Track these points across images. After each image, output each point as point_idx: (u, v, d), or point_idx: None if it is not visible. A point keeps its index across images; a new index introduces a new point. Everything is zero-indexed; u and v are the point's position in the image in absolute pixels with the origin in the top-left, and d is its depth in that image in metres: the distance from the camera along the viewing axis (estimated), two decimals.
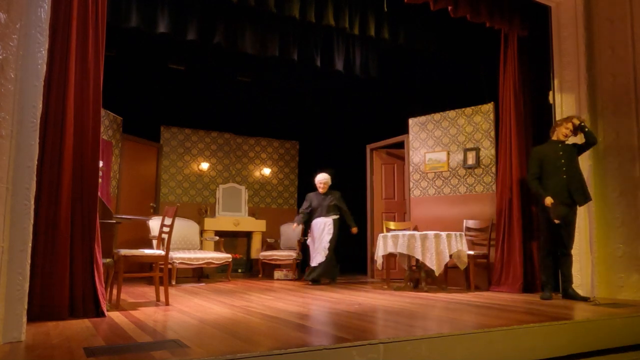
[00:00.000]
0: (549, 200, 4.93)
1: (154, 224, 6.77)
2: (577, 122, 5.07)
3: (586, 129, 5.03)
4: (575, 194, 4.96)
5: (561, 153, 5.08)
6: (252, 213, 9.22)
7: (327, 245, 6.83)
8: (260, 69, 7.96)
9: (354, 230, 7.13)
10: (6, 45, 2.76)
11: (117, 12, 5.25)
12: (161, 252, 4.57)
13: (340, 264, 9.83)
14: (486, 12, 5.58)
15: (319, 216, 7.03)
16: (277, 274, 7.95)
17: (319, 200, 7.12)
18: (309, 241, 7.26)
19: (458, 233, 5.96)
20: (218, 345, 2.61)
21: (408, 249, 5.83)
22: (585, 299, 4.79)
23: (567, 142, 5.16)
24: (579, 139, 5.23)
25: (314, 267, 6.88)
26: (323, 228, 6.93)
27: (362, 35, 6.16)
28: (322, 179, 7.24)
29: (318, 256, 6.82)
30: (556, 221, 4.87)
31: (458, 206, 6.89)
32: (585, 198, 5.00)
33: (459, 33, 6.57)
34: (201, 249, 7.81)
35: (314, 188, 7.37)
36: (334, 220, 6.98)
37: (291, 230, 8.56)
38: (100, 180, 3.86)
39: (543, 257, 5.06)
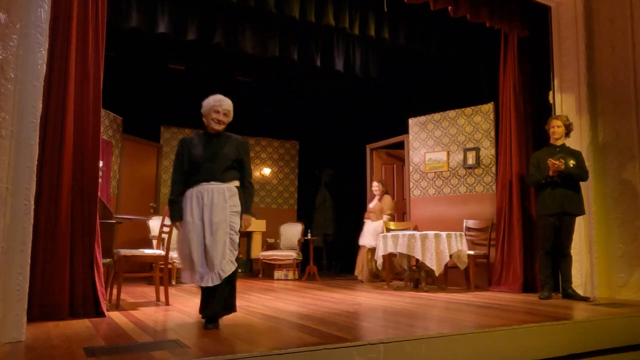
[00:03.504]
0: (550, 163, 4.84)
1: (154, 224, 6.76)
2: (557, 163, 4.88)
3: (568, 171, 4.87)
4: (569, 203, 4.92)
5: (560, 155, 5.04)
6: (252, 213, 9.18)
7: (233, 235, 3.36)
8: (260, 69, 7.96)
9: (248, 221, 3.56)
10: (6, 45, 2.76)
11: (117, 12, 5.25)
12: (161, 252, 4.57)
13: (339, 264, 9.68)
14: (486, 12, 5.58)
15: (209, 179, 3.35)
16: (277, 274, 7.95)
17: (208, 148, 3.45)
18: (182, 232, 3.42)
19: (458, 233, 5.96)
20: (218, 345, 2.61)
21: (408, 249, 5.83)
22: (585, 299, 4.78)
23: (566, 145, 5.14)
24: (573, 142, 5.23)
25: (209, 289, 3.25)
26: (221, 200, 3.33)
27: (362, 35, 6.15)
28: (219, 103, 3.50)
29: (214, 260, 3.22)
30: (562, 166, 4.79)
31: (458, 206, 6.89)
32: (577, 210, 4.95)
33: (459, 33, 6.57)
34: None
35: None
36: (239, 188, 3.48)
37: (291, 230, 8.56)
38: (100, 180, 3.86)
39: (541, 257, 5.05)
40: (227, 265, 3.25)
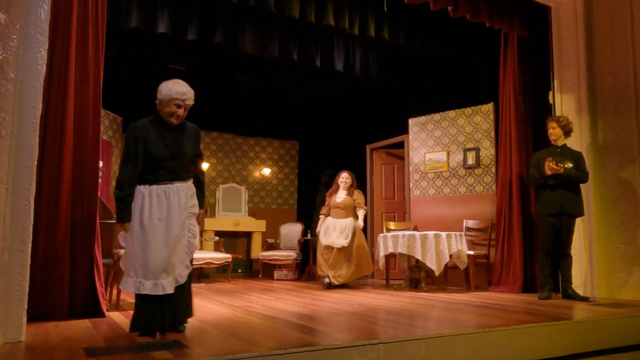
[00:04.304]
0: (547, 165, 4.84)
1: None
2: (553, 165, 4.86)
3: (567, 174, 4.87)
4: (568, 203, 4.92)
5: (559, 158, 5.03)
6: (252, 213, 9.22)
7: (192, 239, 3.08)
8: (260, 69, 7.96)
9: (203, 215, 3.33)
10: (6, 45, 2.76)
11: (117, 12, 5.25)
12: None
13: None
14: (486, 13, 5.58)
15: (174, 179, 3.04)
16: (277, 274, 7.96)
17: (169, 144, 3.08)
18: (138, 234, 2.94)
19: (458, 233, 5.96)
20: (218, 345, 2.61)
21: (408, 249, 5.83)
22: (585, 299, 4.78)
23: (567, 146, 5.14)
24: (573, 142, 5.23)
25: (167, 296, 2.92)
26: (185, 201, 3.04)
27: (362, 35, 6.15)
28: (183, 96, 3.08)
29: (175, 265, 2.94)
30: (560, 170, 4.79)
31: (458, 206, 6.89)
32: (576, 211, 4.95)
33: (459, 33, 6.57)
34: (201, 249, 7.81)
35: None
36: (195, 184, 3.22)
37: (291, 230, 8.56)
38: (100, 180, 3.86)
39: (541, 257, 5.05)
40: (184, 270, 3.00)
